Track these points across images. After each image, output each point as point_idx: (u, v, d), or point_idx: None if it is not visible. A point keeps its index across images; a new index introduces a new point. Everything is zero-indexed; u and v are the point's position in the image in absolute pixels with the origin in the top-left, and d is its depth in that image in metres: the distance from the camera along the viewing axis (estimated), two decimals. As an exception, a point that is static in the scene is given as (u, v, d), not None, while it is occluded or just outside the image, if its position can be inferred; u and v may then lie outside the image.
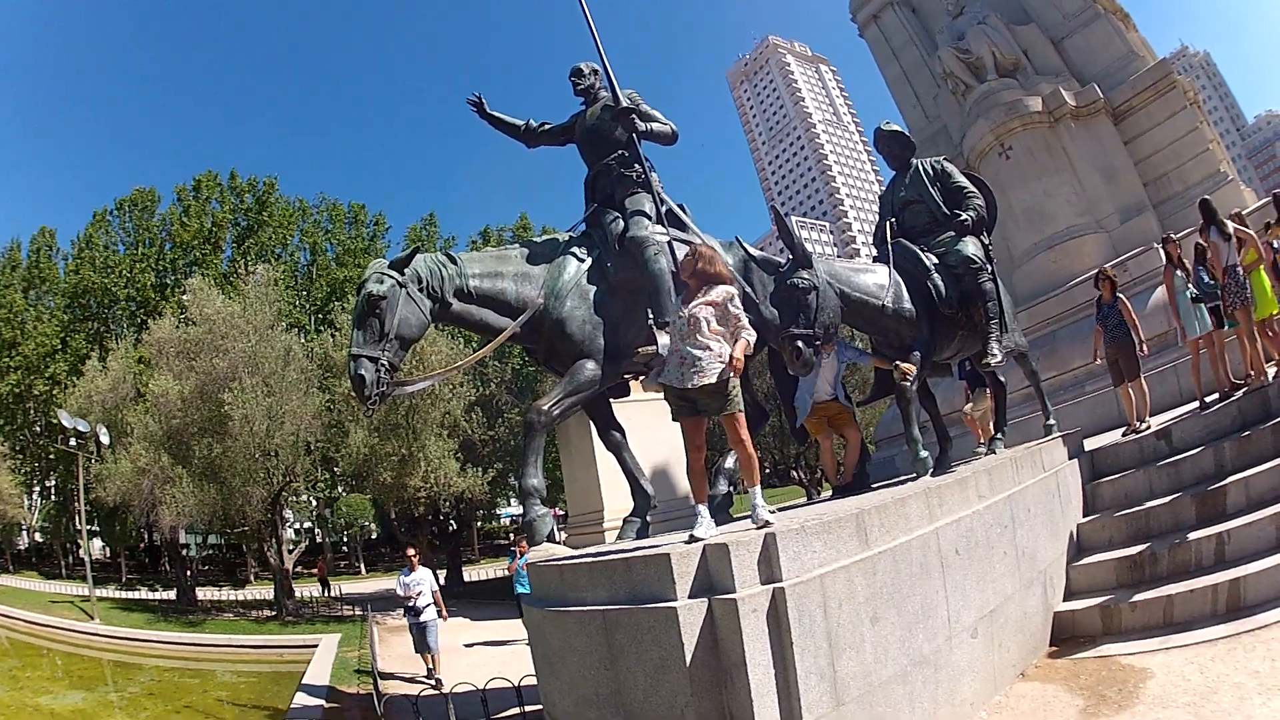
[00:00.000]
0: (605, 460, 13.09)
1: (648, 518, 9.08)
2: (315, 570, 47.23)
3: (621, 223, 9.51)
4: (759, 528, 5.99)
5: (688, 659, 5.22)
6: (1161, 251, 15.56)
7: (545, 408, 8.32)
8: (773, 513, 6.48)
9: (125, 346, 39.25)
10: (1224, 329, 12.21)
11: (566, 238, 9.79)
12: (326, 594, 38.00)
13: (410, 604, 16.29)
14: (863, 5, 28.75)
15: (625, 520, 9.02)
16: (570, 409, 8.71)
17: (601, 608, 5.87)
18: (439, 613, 16.79)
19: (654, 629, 5.39)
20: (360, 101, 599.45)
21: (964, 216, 10.16)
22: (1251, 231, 12.50)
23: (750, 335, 6.44)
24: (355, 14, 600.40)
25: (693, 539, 6.03)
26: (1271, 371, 11.85)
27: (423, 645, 16.28)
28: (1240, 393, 11.73)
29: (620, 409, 10.01)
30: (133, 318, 47.93)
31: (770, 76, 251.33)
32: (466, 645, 19.22)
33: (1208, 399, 12.16)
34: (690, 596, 5.40)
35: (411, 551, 17.26)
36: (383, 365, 7.89)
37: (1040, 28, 23.19)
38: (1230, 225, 12.29)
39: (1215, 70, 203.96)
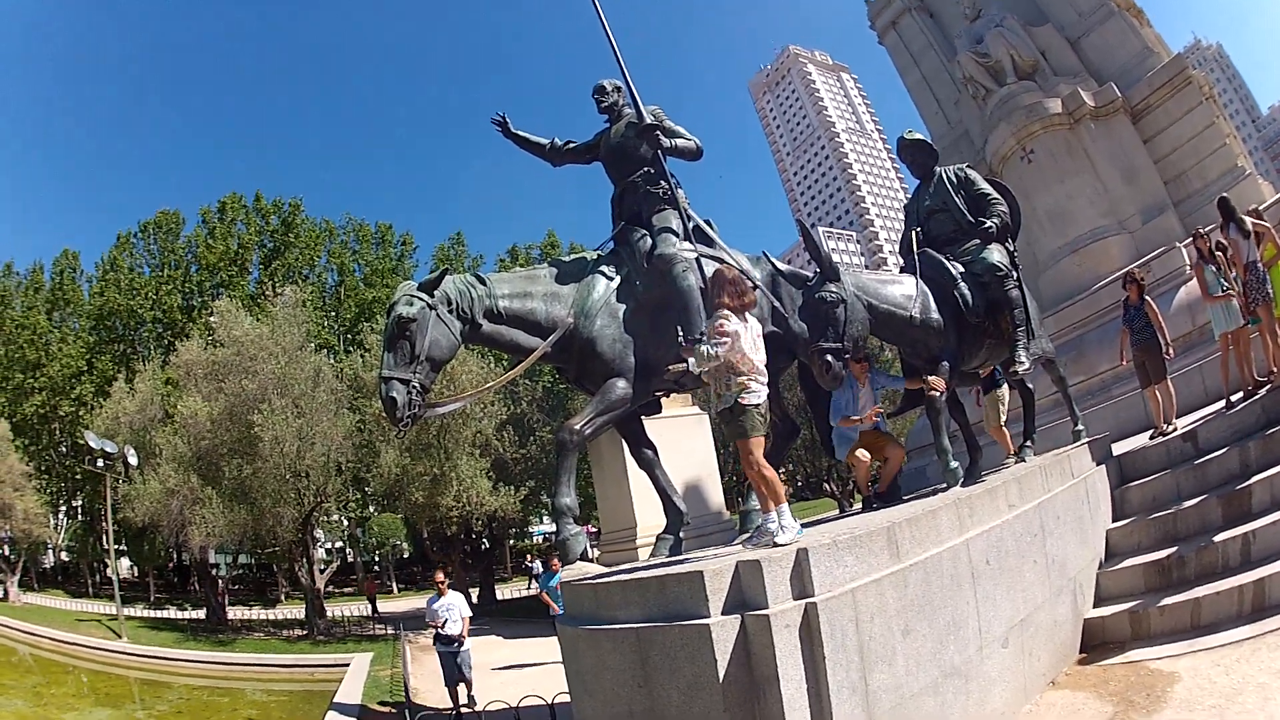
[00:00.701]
0: (637, 477, 13.12)
1: (680, 534, 9.09)
2: (348, 590, 47.30)
3: (649, 240, 9.51)
4: (782, 545, 6.05)
5: (721, 675, 5.23)
6: (1186, 251, 15.58)
7: (577, 427, 8.34)
8: (799, 531, 6.49)
9: (152, 368, 39.40)
10: (1247, 325, 12.16)
11: (595, 256, 9.81)
12: (375, 613, 37.95)
13: (442, 632, 15.06)
14: (881, 12, 28.73)
15: (658, 537, 9.02)
16: (602, 427, 8.73)
17: (635, 625, 5.89)
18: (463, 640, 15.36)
19: (687, 646, 5.41)
20: (386, 121, 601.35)
21: (988, 224, 10.19)
22: (1269, 226, 12.48)
23: (716, 348, 6.51)
24: (381, 34, 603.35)
25: (776, 545, 6.13)
26: None
27: (454, 676, 15.10)
28: (1264, 390, 11.71)
29: (652, 426, 10.02)
30: (159, 339, 48.14)
31: (792, 86, 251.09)
32: (494, 669, 18.05)
33: (1233, 398, 12.13)
34: (724, 613, 5.42)
35: (440, 576, 16.08)
36: (414, 387, 7.92)
37: (1056, 27, 23.13)
38: (1249, 221, 12.27)
39: (1229, 62, 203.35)
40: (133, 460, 32.34)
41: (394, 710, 15.92)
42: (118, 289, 48.84)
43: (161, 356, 42.63)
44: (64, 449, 49.27)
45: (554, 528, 8.66)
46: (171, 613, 40.99)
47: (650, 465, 9.54)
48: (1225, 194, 13.42)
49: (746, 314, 6.74)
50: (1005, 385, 12.00)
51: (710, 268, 8.87)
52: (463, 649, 15.25)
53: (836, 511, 15.08)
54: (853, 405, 9.98)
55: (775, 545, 6.11)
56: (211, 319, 33.59)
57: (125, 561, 54.38)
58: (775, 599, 5.40)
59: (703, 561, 6.25)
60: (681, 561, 7.13)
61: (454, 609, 15.37)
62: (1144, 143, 21.21)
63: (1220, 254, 12.43)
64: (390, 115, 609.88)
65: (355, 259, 53.26)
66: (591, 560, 9.06)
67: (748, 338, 6.58)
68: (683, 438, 15.98)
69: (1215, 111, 21.49)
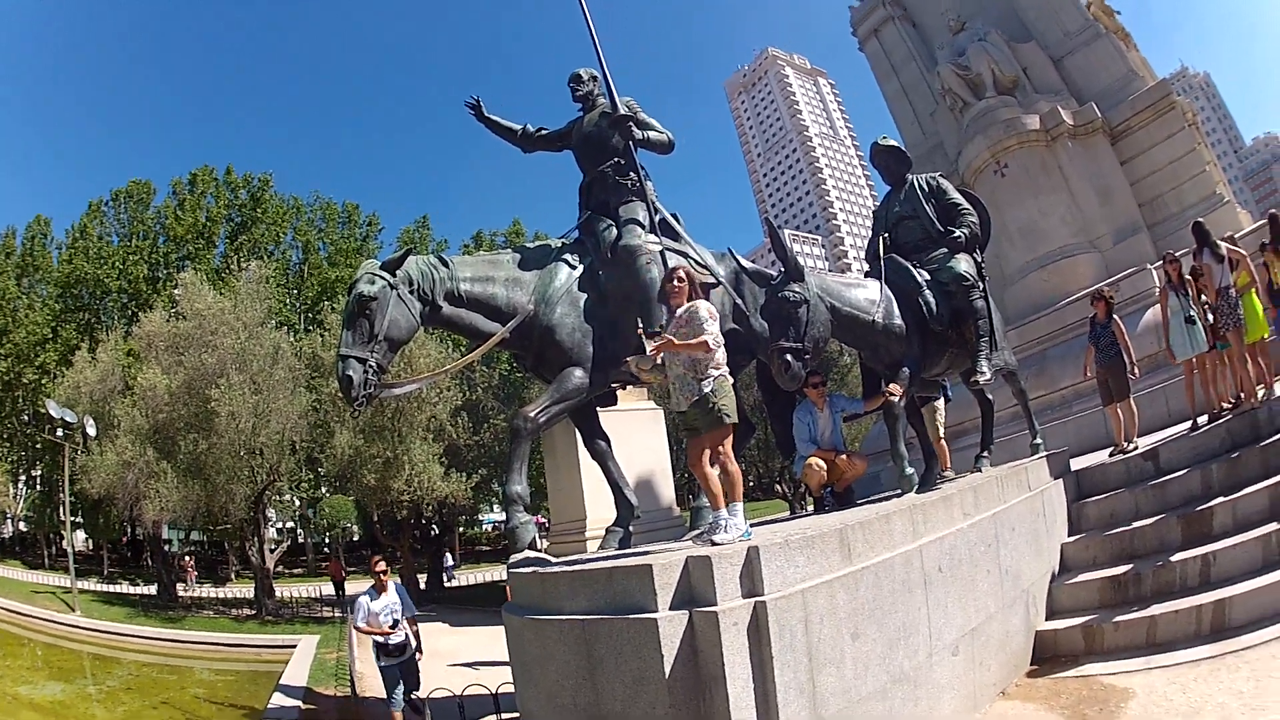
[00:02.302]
0: (589, 469, 13.01)
1: (630, 528, 9.02)
2: (298, 571, 46.97)
3: (615, 231, 9.44)
4: (720, 544, 6.01)
5: (667, 671, 5.20)
6: (1157, 273, 15.62)
7: (532, 415, 8.26)
8: (746, 534, 6.46)
9: (115, 338, 39.08)
10: (1216, 350, 12.20)
11: (559, 244, 9.72)
12: (342, 596, 37.67)
13: (387, 642, 11.84)
14: (864, 19, 28.83)
15: (608, 530, 8.95)
16: (557, 417, 8.65)
17: (582, 617, 5.84)
18: (416, 647, 12.23)
19: (634, 640, 5.37)
20: (358, 99, 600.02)
21: (958, 233, 10.18)
22: (1244, 253, 12.53)
23: (708, 335, 6.60)
24: (357, 13, 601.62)
25: (712, 544, 6.10)
26: (1261, 394, 11.85)
27: (397, 689, 11.85)
28: (1230, 414, 11.75)
29: (607, 418, 9.95)
30: (124, 309, 47.70)
31: (769, 88, 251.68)
32: (452, 664, 16.69)
33: (1199, 419, 12.16)
34: (671, 608, 5.39)
35: (381, 566, 12.44)
36: (371, 367, 7.82)
37: (1041, 45, 23.22)
38: (1224, 247, 12.32)
39: (1215, 92, 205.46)
40: (91, 431, 32.12)
41: (338, 694, 15.78)
42: (86, 257, 48.34)
43: (125, 327, 42.36)
44: (26, 417, 48.74)
45: (504, 516, 8.55)
46: (124, 587, 40.85)
47: (603, 457, 9.48)
48: (1200, 219, 13.43)
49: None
50: (943, 399, 12.00)
51: (674, 262, 8.81)
52: (407, 655, 12.03)
53: (788, 512, 15.04)
54: (814, 429, 9.96)
55: (712, 543, 6.06)
56: (175, 291, 33.29)
57: (81, 534, 53.88)
58: (724, 596, 5.36)
59: (652, 555, 6.19)
60: (631, 555, 7.05)
61: (399, 609, 12.03)
62: (1122, 164, 21.30)
63: (1191, 279, 12.45)
64: (364, 94, 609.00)
65: (321, 237, 53.00)
66: (540, 551, 8.95)
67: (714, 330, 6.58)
68: (637, 432, 15.85)
69: (1197, 138, 21.62)
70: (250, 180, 52.37)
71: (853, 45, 29.74)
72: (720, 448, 6.53)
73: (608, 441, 9.55)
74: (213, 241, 49.73)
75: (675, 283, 6.87)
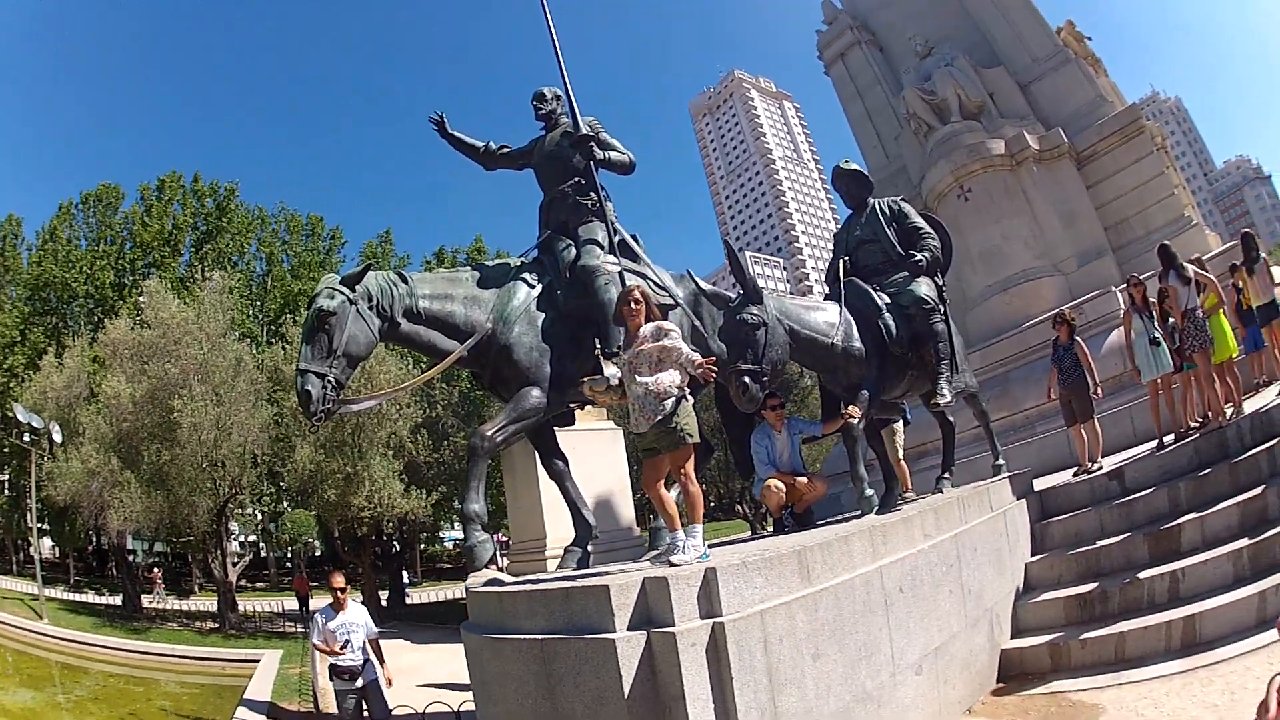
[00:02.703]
0: (549, 488, 12.92)
1: (589, 548, 8.99)
2: (260, 585, 46.68)
3: (574, 250, 9.44)
4: (678, 565, 5.98)
5: (626, 691, 5.18)
6: (1122, 295, 15.73)
7: (489, 433, 8.22)
8: (705, 556, 6.43)
9: (81, 344, 38.65)
10: (1183, 371, 12.29)
11: (519, 263, 9.72)
12: (307, 612, 37.40)
13: (338, 663, 10.80)
14: (831, 43, 28.96)
15: (566, 550, 8.90)
16: (514, 436, 8.60)
17: (540, 637, 5.82)
18: (380, 671, 11.13)
19: (592, 660, 5.35)
20: (325, 112, 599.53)
21: (919, 257, 10.22)
22: (1212, 276, 12.67)
23: (685, 354, 6.56)
24: (326, 25, 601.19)
25: (670, 565, 6.06)
26: (1230, 412, 11.96)
27: None
28: (1197, 434, 11.85)
29: (565, 437, 9.93)
30: (90, 315, 47.09)
31: (733, 110, 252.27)
32: (420, 685, 15.51)
33: (1165, 439, 12.23)
34: (629, 628, 5.38)
35: (340, 581, 11.31)
36: (330, 382, 7.76)
37: (1009, 71, 23.43)
38: (1190, 269, 12.43)
39: (1186, 115, 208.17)
40: (57, 437, 31.87)
41: (301, 709, 15.68)
42: (55, 260, 47.75)
43: (91, 333, 41.92)
44: (-7, 420, 48.31)
45: (462, 534, 8.50)
46: (90, 596, 40.64)
47: (561, 477, 9.44)
48: (1167, 241, 13.54)
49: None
50: (901, 421, 12.06)
51: (631, 282, 8.83)
52: (369, 681, 10.96)
53: (748, 533, 15.04)
54: (772, 452, 10.01)
55: (670, 564, 6.03)
56: (141, 299, 33.11)
57: (47, 541, 53.40)
58: (682, 617, 5.35)
59: (609, 576, 6.18)
60: (588, 575, 7.02)
61: (357, 628, 10.94)
62: (1088, 188, 21.52)
63: (1157, 302, 12.54)
64: (329, 106, 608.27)
65: (285, 249, 52.62)
66: (501, 569, 8.90)
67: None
68: (596, 451, 15.84)
69: (1166, 162, 21.88)
70: (217, 189, 51.94)
71: (819, 69, 29.87)
72: (682, 469, 6.51)
73: (565, 461, 9.52)
74: (178, 249, 49.30)
75: (632, 304, 6.82)
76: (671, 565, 6.01)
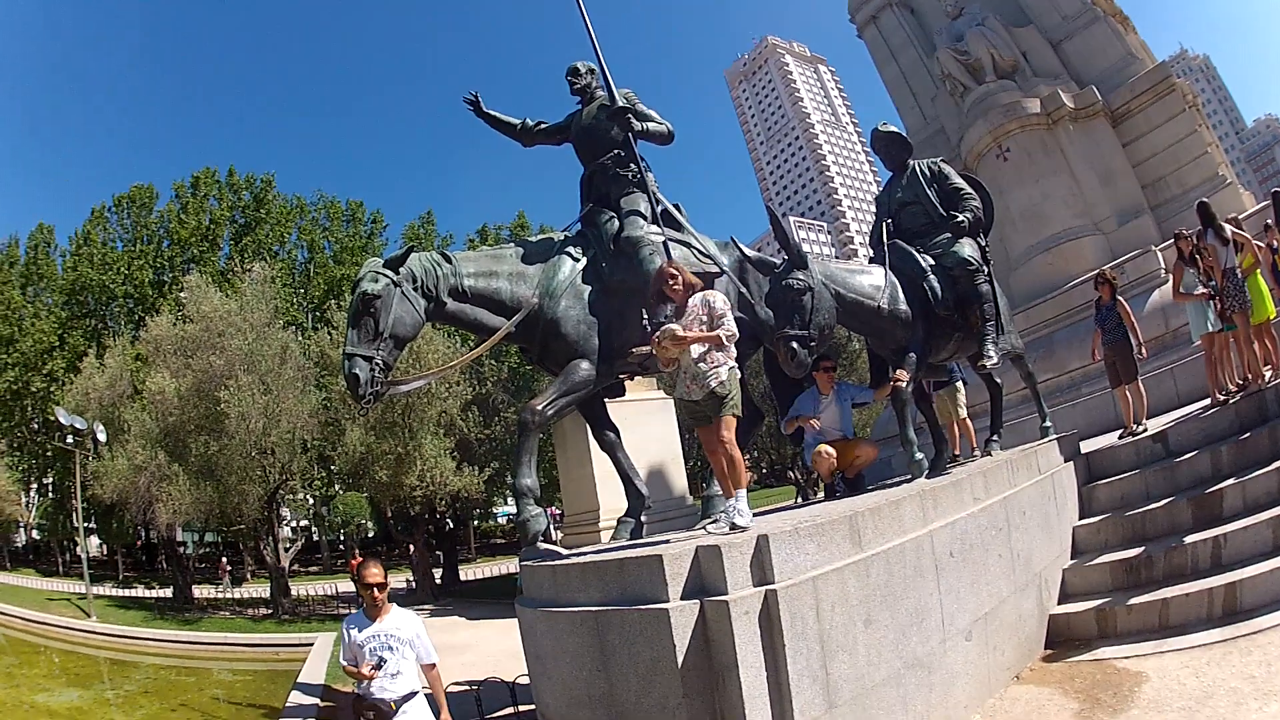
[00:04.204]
0: (600, 460, 12.96)
1: (642, 518, 9.00)
2: (313, 569, 46.91)
3: (617, 222, 9.44)
4: (729, 532, 6.04)
5: (679, 661, 5.22)
6: (1161, 255, 15.58)
7: (539, 408, 8.26)
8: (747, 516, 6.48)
9: (122, 344, 38.84)
10: (1223, 332, 12.16)
11: (562, 237, 9.71)
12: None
13: (366, 693, 7.08)
14: (861, 6, 28.73)
15: (619, 520, 8.94)
16: (564, 409, 8.65)
17: (594, 609, 5.88)
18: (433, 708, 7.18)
19: (646, 630, 5.39)
20: (359, 98, 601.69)
21: (961, 218, 10.14)
22: (1249, 235, 12.48)
23: (726, 330, 6.67)
24: (356, 11, 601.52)
25: (734, 528, 6.15)
26: (1268, 375, 11.82)
27: None
28: (1238, 396, 11.72)
29: (615, 409, 9.93)
30: (130, 315, 47.56)
31: (769, 76, 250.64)
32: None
33: (1221, 396, 12.09)
34: (683, 598, 5.42)
35: (375, 575, 7.21)
36: (377, 364, 7.80)
37: (1039, 30, 23.19)
38: (1228, 228, 12.26)
39: (1215, 74, 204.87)
40: (101, 437, 32.04)
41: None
42: (90, 264, 48.06)
43: (132, 332, 42.18)
44: (35, 425, 48.61)
45: (515, 509, 8.53)
46: (140, 591, 40.71)
47: (612, 448, 9.47)
48: (1205, 200, 13.38)
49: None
50: (961, 381, 12.02)
51: (677, 252, 8.84)
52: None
53: (800, 499, 15.01)
54: (822, 419, 9.92)
55: (735, 528, 6.06)
56: (182, 295, 33.31)
57: (94, 540, 54.02)
58: (735, 585, 5.38)
59: (662, 546, 6.21)
60: (641, 545, 7.05)
61: (399, 643, 7.05)
62: (1123, 147, 21.29)
63: (1199, 258, 12.39)
64: (366, 91, 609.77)
65: (325, 236, 52.57)
66: (554, 542, 8.94)
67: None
68: (646, 422, 15.81)
69: (1198, 120, 21.57)
70: (253, 181, 52.21)
71: (851, 31, 29.65)
72: (724, 436, 6.56)
73: (616, 432, 9.53)
74: (217, 244, 49.51)
75: (669, 280, 6.83)
76: (735, 528, 6.07)
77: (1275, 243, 13.01)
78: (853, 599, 5.88)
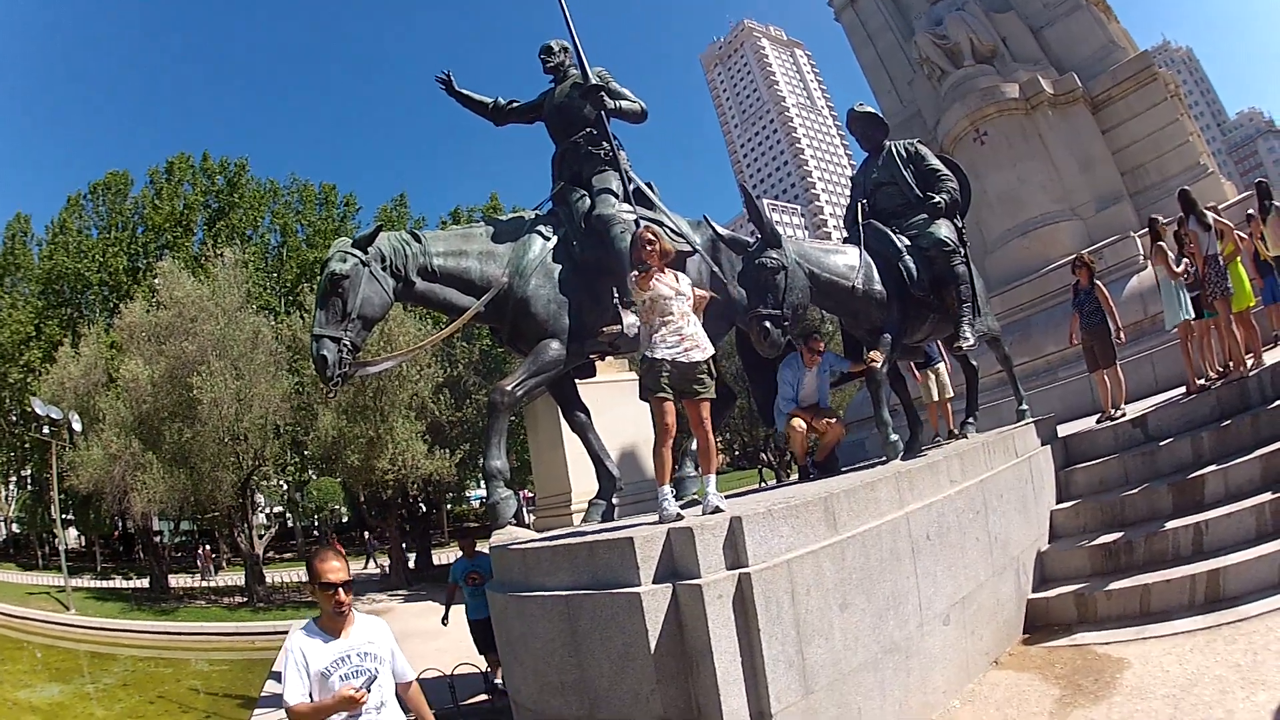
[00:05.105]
0: (572, 441, 12.83)
1: (614, 500, 8.97)
2: (288, 555, 46.79)
3: (588, 201, 9.37)
4: (711, 513, 5.92)
5: (652, 646, 5.14)
6: (1140, 241, 15.57)
7: (509, 388, 8.15)
8: (724, 499, 6.40)
9: (97, 331, 38.86)
10: (1203, 318, 12.12)
11: (533, 215, 9.64)
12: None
13: None
14: (840, -11, 28.63)
15: (591, 503, 8.86)
16: (534, 389, 8.55)
17: (564, 593, 5.77)
18: None
19: (617, 615, 5.30)
20: (332, 79, 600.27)
21: (937, 199, 10.06)
22: (1230, 224, 12.48)
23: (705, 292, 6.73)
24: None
25: (662, 520, 5.99)
26: (1250, 363, 11.79)
27: None
28: (1219, 383, 11.70)
29: (587, 390, 9.89)
30: (105, 302, 47.17)
31: (745, 59, 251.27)
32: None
33: (1201, 381, 12.07)
34: (654, 581, 5.33)
35: (336, 572, 5.08)
36: (345, 345, 7.70)
37: (1020, 15, 23.15)
38: (1210, 215, 12.24)
39: (1198, 66, 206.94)
40: (77, 426, 32.15)
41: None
42: (66, 252, 47.81)
43: (106, 320, 42.06)
44: (13, 417, 48.37)
45: (484, 491, 8.46)
46: (117, 582, 40.92)
47: (583, 429, 9.43)
48: (1186, 187, 13.35)
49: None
50: (943, 362, 11.98)
51: (643, 225, 8.77)
52: None
53: (773, 481, 14.97)
54: (798, 388, 9.89)
55: (718, 510, 5.96)
56: (156, 281, 33.17)
57: (72, 531, 53.81)
58: (708, 568, 5.30)
59: (633, 528, 6.11)
60: (612, 528, 6.95)
61: (379, 662, 5.10)
62: (1103, 134, 21.31)
63: (1177, 245, 12.36)
64: (338, 73, 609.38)
65: (299, 219, 52.42)
66: (526, 525, 8.85)
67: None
68: (618, 402, 15.72)
69: (1179, 109, 21.66)
70: (227, 165, 51.91)
71: (829, 15, 29.57)
72: (705, 415, 6.51)
73: (587, 413, 9.50)
74: (191, 229, 49.26)
75: (646, 245, 6.69)
76: (718, 510, 6.02)
77: (1259, 232, 13.00)
78: (828, 582, 5.80)
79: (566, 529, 9.37)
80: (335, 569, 5.11)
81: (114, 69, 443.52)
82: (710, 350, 6.54)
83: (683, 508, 6.72)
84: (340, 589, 5.07)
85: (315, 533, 65.93)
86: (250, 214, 50.53)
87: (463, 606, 11.76)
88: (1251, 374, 11.44)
